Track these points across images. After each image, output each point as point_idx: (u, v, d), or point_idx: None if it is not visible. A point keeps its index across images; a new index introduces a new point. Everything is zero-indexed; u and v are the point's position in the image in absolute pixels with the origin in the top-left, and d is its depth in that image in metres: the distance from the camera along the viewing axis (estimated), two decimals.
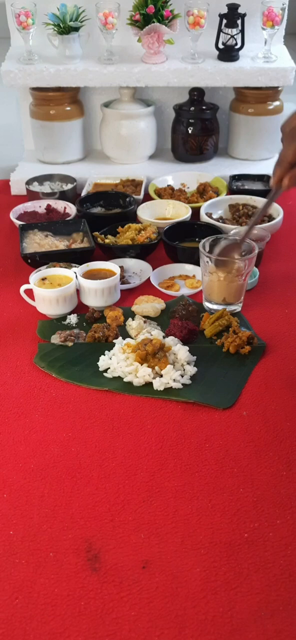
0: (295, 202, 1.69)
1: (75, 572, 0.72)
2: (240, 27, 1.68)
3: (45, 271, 1.22)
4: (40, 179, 1.67)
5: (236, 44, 1.69)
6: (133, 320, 1.15)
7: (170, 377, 1.00)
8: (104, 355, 1.07)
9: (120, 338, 1.10)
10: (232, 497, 0.81)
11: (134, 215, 1.50)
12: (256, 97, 1.75)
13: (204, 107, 1.78)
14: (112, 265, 1.24)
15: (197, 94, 1.77)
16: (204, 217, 1.47)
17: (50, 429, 0.93)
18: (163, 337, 1.08)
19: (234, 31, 1.68)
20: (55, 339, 1.12)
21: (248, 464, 0.87)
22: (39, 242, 1.37)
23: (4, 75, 1.66)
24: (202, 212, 1.48)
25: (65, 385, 1.02)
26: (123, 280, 1.28)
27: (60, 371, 1.05)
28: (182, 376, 1.02)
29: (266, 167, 1.77)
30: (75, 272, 1.21)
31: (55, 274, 1.22)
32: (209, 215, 1.49)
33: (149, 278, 1.29)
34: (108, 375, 1.04)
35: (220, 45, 1.70)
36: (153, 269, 1.31)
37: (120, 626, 0.67)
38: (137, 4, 1.64)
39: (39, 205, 1.56)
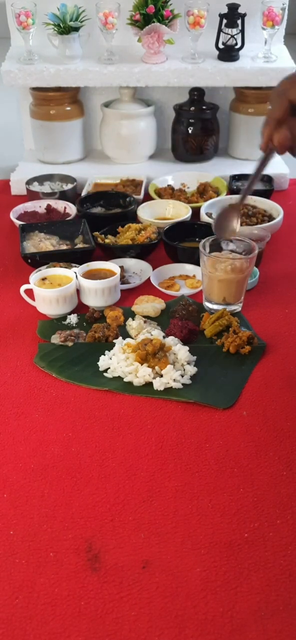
0: (295, 202, 1.69)
1: (75, 572, 0.72)
2: (240, 27, 1.68)
3: (45, 271, 1.22)
4: (41, 179, 1.67)
5: (236, 43, 1.69)
6: (133, 320, 1.15)
7: (170, 377, 1.00)
8: (104, 355, 1.07)
9: (120, 338, 1.10)
10: (232, 497, 0.81)
11: (134, 215, 1.50)
12: (257, 97, 1.75)
13: (204, 107, 1.78)
14: (112, 265, 1.24)
15: (197, 94, 1.77)
16: (204, 217, 1.47)
17: (50, 429, 0.93)
18: (164, 337, 1.08)
19: (234, 31, 1.68)
20: (55, 339, 1.12)
21: (248, 464, 0.87)
22: (39, 242, 1.37)
23: (4, 75, 1.67)
24: (202, 212, 1.48)
25: (66, 385, 1.02)
26: (123, 280, 1.28)
27: (61, 371, 1.05)
28: (182, 376, 1.01)
29: (267, 167, 1.77)
30: (75, 272, 1.21)
31: (56, 274, 1.22)
32: (209, 215, 1.49)
33: (149, 278, 1.29)
34: (108, 375, 1.04)
35: (220, 45, 1.70)
36: (153, 269, 1.31)
37: (120, 626, 0.67)
38: (137, 4, 1.64)
39: (39, 205, 1.56)
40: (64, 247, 1.37)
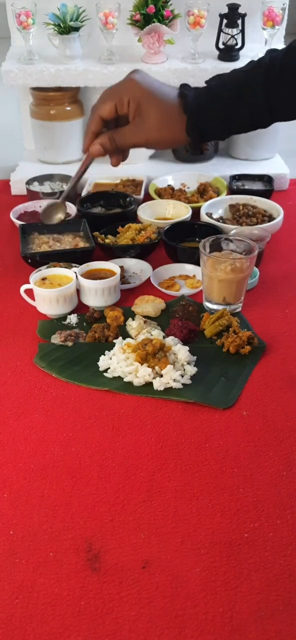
0: (295, 202, 1.69)
1: (75, 572, 0.72)
2: (240, 27, 1.68)
3: (45, 271, 1.22)
4: (41, 179, 1.67)
5: (236, 43, 1.69)
6: (133, 320, 1.15)
7: (170, 377, 1.00)
8: (104, 355, 1.07)
9: (120, 338, 1.10)
10: (232, 497, 0.81)
11: (134, 215, 1.50)
12: None
13: None
14: (112, 265, 1.24)
15: None
16: (204, 217, 1.47)
17: (50, 429, 0.93)
18: (164, 337, 1.08)
19: (234, 31, 1.68)
20: (56, 338, 1.12)
21: (248, 464, 0.87)
22: (39, 242, 1.37)
23: (4, 75, 1.67)
24: (202, 212, 1.48)
25: (66, 385, 1.02)
26: (123, 280, 1.28)
27: (61, 371, 1.05)
28: (182, 376, 1.01)
29: (266, 167, 1.78)
30: (75, 272, 1.21)
31: (56, 274, 1.22)
32: (209, 215, 1.49)
33: (149, 278, 1.29)
34: (108, 375, 1.04)
35: (221, 45, 1.70)
36: (154, 269, 1.31)
37: (120, 626, 0.67)
38: (137, 4, 1.64)
39: (39, 205, 1.55)
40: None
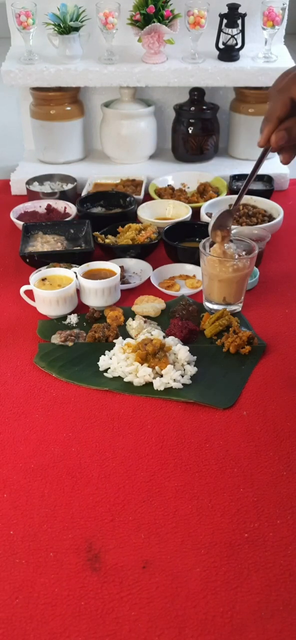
0: (295, 202, 1.69)
1: (75, 572, 0.73)
2: (240, 27, 1.68)
3: (45, 271, 1.22)
4: (41, 179, 1.67)
5: (236, 43, 1.69)
6: (133, 320, 1.15)
7: (170, 377, 1.00)
8: (104, 355, 1.07)
9: (120, 338, 1.10)
10: (232, 497, 0.81)
11: (134, 215, 1.50)
12: (257, 97, 1.75)
13: (204, 107, 1.78)
14: (112, 265, 1.24)
15: (197, 94, 1.77)
16: (204, 217, 1.47)
17: (50, 429, 0.93)
18: (164, 337, 1.08)
19: (234, 31, 1.68)
20: (56, 338, 1.12)
21: (248, 464, 0.87)
22: (42, 242, 1.37)
23: (4, 75, 1.67)
24: (202, 212, 1.48)
25: (66, 385, 1.02)
26: (123, 280, 1.28)
27: (61, 371, 1.05)
28: (182, 376, 1.02)
29: (267, 167, 1.77)
30: (75, 272, 1.21)
31: (55, 274, 1.22)
32: (209, 215, 1.48)
33: (149, 278, 1.29)
34: (108, 375, 1.04)
35: (221, 45, 1.70)
36: (154, 269, 1.31)
37: (120, 626, 0.67)
38: (137, 4, 1.64)
39: (39, 205, 1.56)
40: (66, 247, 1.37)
